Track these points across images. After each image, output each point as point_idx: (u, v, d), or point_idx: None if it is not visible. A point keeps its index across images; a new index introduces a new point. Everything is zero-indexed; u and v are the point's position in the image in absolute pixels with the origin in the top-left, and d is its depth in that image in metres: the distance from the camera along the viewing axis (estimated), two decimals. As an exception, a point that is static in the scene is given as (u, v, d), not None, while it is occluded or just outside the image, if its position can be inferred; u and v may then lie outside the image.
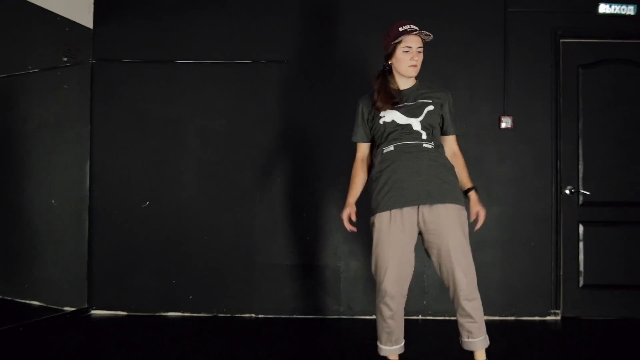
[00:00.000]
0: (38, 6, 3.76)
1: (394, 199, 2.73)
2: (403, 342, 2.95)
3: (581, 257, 4.37)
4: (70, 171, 4.33)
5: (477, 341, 2.77)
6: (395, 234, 2.73)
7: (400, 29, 2.78)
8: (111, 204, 4.36)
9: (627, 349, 3.59)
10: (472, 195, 2.93)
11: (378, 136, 2.86)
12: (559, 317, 4.33)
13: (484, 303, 4.17)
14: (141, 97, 4.37)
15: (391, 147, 2.78)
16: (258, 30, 4.38)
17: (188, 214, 4.37)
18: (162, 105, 4.36)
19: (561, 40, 4.37)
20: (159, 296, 4.34)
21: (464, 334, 2.80)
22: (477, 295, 2.79)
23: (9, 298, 4.25)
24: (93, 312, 4.33)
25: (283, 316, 4.29)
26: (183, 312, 4.31)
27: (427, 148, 2.78)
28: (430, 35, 2.80)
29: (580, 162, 4.39)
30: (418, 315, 4.32)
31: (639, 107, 4.36)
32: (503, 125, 4.32)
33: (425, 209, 2.72)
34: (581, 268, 4.37)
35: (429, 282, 4.31)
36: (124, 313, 4.32)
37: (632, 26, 4.34)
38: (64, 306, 4.22)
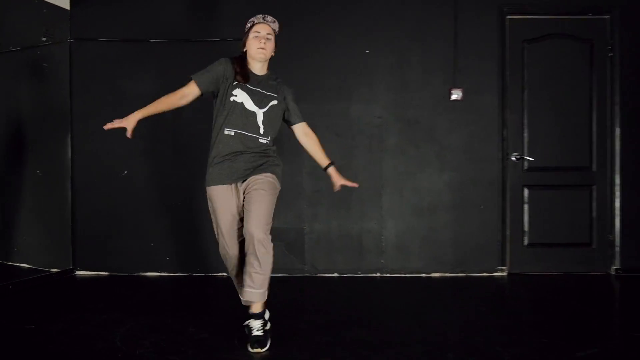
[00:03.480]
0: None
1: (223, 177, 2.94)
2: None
3: (526, 218, 4.72)
4: (53, 143, 4.61)
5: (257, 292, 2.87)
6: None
7: (252, 18, 3.01)
8: (92, 173, 4.65)
9: (566, 300, 3.94)
10: (332, 170, 3.08)
11: (223, 110, 2.93)
12: (505, 274, 4.69)
13: (436, 261, 4.58)
14: (118, 73, 4.63)
15: (232, 132, 2.89)
16: (223, 10, 4.63)
17: (164, 181, 4.67)
18: (137, 81, 4.61)
19: (507, 17, 4.65)
20: (138, 258, 4.67)
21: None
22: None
23: (0, 261, 4.59)
24: (77, 272, 4.67)
25: (252, 274, 4.62)
26: (161, 272, 4.67)
27: (262, 143, 2.93)
28: (275, 22, 3.00)
29: (525, 131, 4.70)
30: (376, 273, 4.67)
31: (578, 78, 4.69)
32: (454, 96, 4.61)
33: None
34: (526, 228, 4.72)
35: (386, 242, 4.66)
36: (106, 273, 4.66)
37: (572, 3, 4.64)
38: (50, 268, 4.55)
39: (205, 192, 2.97)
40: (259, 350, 2.75)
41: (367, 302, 3.90)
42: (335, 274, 4.66)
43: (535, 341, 2.96)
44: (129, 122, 2.95)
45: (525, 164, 4.71)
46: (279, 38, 3.07)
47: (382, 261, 4.67)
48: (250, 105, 2.92)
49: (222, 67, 2.94)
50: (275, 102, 2.98)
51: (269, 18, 3.00)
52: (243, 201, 2.91)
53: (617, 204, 4.68)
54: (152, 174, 4.67)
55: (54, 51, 4.45)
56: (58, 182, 4.63)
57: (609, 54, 4.67)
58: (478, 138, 4.66)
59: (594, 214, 4.72)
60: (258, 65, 2.99)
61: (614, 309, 3.88)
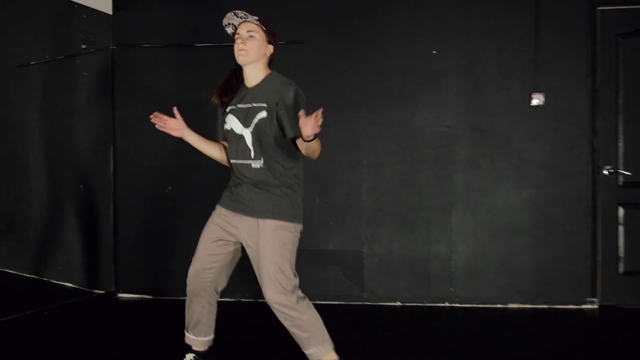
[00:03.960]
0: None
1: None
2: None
3: (621, 241, 4.21)
4: (95, 156, 4.43)
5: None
6: None
7: (225, 18, 2.55)
8: (135, 188, 4.44)
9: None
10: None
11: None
12: (596, 306, 4.18)
13: (514, 290, 4.12)
14: (162, 81, 4.41)
15: (232, 162, 2.60)
16: (276, 10, 4.31)
17: (210, 198, 4.34)
18: (182, 89, 4.38)
19: (598, 8, 4.17)
20: (183, 281, 4.36)
21: None
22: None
23: (46, 279, 4.46)
24: (120, 295, 4.45)
25: (304, 301, 4.28)
26: (206, 296, 4.36)
27: (256, 170, 2.49)
28: (250, 16, 2.49)
29: (620, 140, 4.21)
30: (444, 303, 4.23)
31: (685, 79, 4.08)
32: (534, 102, 4.14)
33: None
34: (621, 253, 4.21)
35: (455, 268, 4.20)
36: (150, 297, 4.41)
37: (679, -10, 4.04)
38: (93, 288, 4.36)
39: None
40: None
41: (434, 335, 3.57)
42: (398, 303, 4.26)
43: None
44: (182, 133, 2.72)
45: (621, 178, 4.19)
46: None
47: (452, 289, 4.23)
48: (238, 127, 2.52)
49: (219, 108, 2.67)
50: (263, 113, 2.46)
51: (241, 13, 2.50)
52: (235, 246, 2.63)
53: None
54: (198, 190, 4.38)
55: (95, 59, 4.24)
56: (100, 197, 4.44)
57: None
58: (563, 149, 4.16)
59: None
60: (249, 74, 2.55)
61: None
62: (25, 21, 3.91)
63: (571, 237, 4.16)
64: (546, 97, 4.12)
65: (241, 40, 2.49)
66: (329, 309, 3.94)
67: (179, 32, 4.41)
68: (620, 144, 4.18)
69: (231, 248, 2.63)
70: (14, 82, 4.15)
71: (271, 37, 2.54)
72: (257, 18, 2.50)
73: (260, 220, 2.47)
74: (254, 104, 2.49)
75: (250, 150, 2.49)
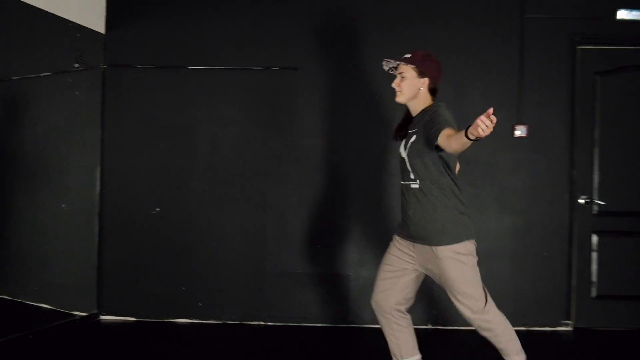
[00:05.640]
0: (50, 13, 3.73)
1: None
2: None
3: (594, 267, 4.33)
4: (81, 176, 4.34)
5: None
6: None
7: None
8: (121, 209, 4.35)
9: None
10: (471, 128, 2.28)
11: None
12: (570, 328, 4.30)
13: None
14: (152, 102, 4.35)
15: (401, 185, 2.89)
16: (269, 37, 4.35)
17: (198, 220, 4.36)
18: (173, 111, 4.34)
19: (578, 47, 4.30)
20: (167, 302, 4.34)
21: None
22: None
23: (19, 300, 4.31)
24: (102, 317, 4.34)
25: (292, 324, 4.29)
26: (192, 319, 4.32)
27: (413, 189, 2.75)
28: (401, 58, 2.82)
29: (596, 172, 4.34)
30: (427, 325, 4.30)
31: (657, 116, 4.30)
32: (517, 133, 4.26)
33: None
34: (594, 278, 4.33)
35: (438, 291, 4.29)
36: (133, 319, 4.33)
37: (652, 32, 4.27)
38: (73, 310, 4.24)
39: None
40: None
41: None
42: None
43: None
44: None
45: (595, 207, 4.34)
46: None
47: (435, 312, 4.29)
48: (402, 151, 2.83)
49: None
50: (414, 137, 2.74)
51: (389, 60, 2.87)
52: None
53: (698, 253, 4.26)
54: (186, 212, 4.36)
55: (86, 77, 4.17)
56: (85, 217, 4.33)
57: (691, 89, 4.28)
58: (543, 179, 4.30)
59: (671, 264, 4.30)
60: (411, 107, 2.86)
61: None
62: (18, 38, 3.81)
63: (548, 263, 4.29)
64: (528, 129, 4.25)
65: (396, 83, 2.82)
66: (317, 331, 3.97)
67: (172, 54, 4.36)
68: (596, 175, 4.32)
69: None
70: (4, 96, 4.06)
71: (423, 69, 2.77)
72: (408, 56, 2.78)
73: (431, 253, 2.79)
74: (409, 131, 2.80)
75: (409, 172, 2.77)
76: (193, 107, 4.34)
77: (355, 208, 4.30)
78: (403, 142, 2.84)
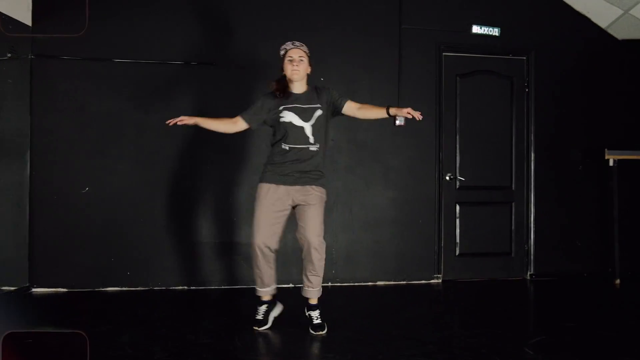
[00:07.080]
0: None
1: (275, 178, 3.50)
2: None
3: (457, 231, 5.32)
4: (10, 159, 4.55)
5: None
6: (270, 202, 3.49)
7: (284, 46, 3.54)
8: (51, 189, 4.64)
9: (491, 301, 4.60)
10: (392, 110, 3.50)
11: (278, 132, 3.48)
12: (440, 280, 5.24)
13: (381, 270, 5.05)
14: (80, 91, 4.68)
15: (287, 147, 3.43)
16: (189, 34, 4.85)
17: (126, 198, 4.75)
18: (100, 99, 4.69)
19: (443, 54, 5.27)
20: (98, 273, 4.69)
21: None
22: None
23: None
24: (34, 289, 4.62)
25: (212, 287, 4.84)
26: (121, 287, 4.73)
27: (312, 151, 3.45)
28: (303, 45, 3.53)
29: (458, 154, 5.31)
30: (328, 283, 5.01)
31: (501, 109, 5.43)
32: (397, 122, 4.88)
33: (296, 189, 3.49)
34: (457, 240, 5.32)
35: (337, 254, 5.06)
36: (65, 290, 4.64)
37: (497, 44, 5.36)
38: (4, 286, 4.44)
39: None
40: (321, 332, 3.45)
41: (323, 309, 3.87)
42: (291, 285, 4.93)
43: (488, 333, 3.47)
44: (190, 120, 3.53)
45: (458, 183, 5.32)
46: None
47: (334, 272, 5.03)
48: (297, 121, 3.40)
49: (260, 102, 3.54)
50: (320, 112, 3.47)
51: (297, 43, 3.49)
52: (293, 208, 3.45)
53: (532, 218, 5.42)
54: (114, 191, 4.74)
55: (16, 66, 4.44)
56: (15, 197, 4.57)
57: (526, 90, 5.44)
58: (418, 160, 5.21)
59: (513, 227, 5.43)
60: (297, 85, 3.51)
61: (537, 306, 4.56)
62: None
63: (422, 228, 5.20)
64: (406, 119, 5.05)
65: (296, 63, 3.46)
66: (236, 292, 4.52)
67: (98, 47, 4.67)
68: (458, 157, 5.30)
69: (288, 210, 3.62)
70: None
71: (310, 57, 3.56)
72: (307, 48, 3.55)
73: (310, 189, 3.51)
74: (310, 105, 3.46)
75: (309, 137, 3.43)
76: (119, 96, 4.72)
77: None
78: (295, 115, 3.42)
